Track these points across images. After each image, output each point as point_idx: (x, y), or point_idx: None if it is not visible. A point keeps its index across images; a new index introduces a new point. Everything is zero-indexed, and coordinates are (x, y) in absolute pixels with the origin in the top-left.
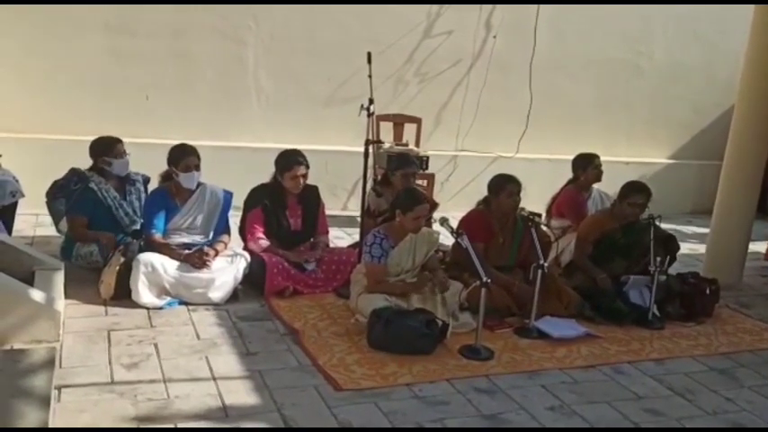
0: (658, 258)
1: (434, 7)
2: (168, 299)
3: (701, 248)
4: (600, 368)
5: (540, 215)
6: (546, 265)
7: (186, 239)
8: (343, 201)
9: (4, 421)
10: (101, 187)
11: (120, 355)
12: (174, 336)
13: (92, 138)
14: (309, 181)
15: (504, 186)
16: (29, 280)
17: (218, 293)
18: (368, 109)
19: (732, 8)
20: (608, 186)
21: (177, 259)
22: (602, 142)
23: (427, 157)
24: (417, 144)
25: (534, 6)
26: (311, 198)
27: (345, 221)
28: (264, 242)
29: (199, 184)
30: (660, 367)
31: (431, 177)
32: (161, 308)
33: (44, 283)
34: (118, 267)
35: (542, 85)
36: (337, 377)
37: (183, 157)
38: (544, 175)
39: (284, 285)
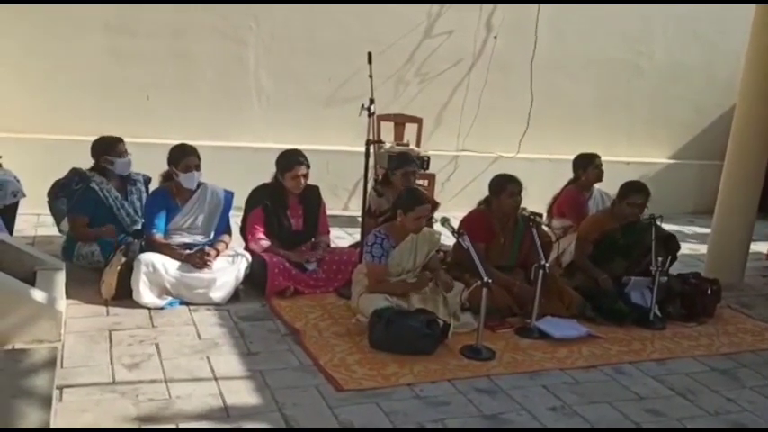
0: (659, 259)
1: (435, 7)
2: (169, 299)
3: (703, 249)
4: (601, 368)
5: (540, 215)
6: (547, 265)
7: (187, 239)
8: (344, 201)
9: (6, 421)
10: (102, 187)
11: (121, 355)
12: (175, 336)
13: (92, 138)
14: (310, 181)
15: (506, 186)
16: (30, 280)
17: (219, 293)
18: (368, 109)
19: (732, 8)
20: (609, 186)
21: (178, 259)
22: (602, 142)
23: (428, 158)
24: (418, 144)
25: (535, 6)
26: (312, 198)
27: (346, 221)
28: (265, 242)
29: (199, 185)
30: (661, 367)
31: (432, 177)
32: (162, 308)
33: (45, 283)
34: (119, 267)
35: (543, 86)
36: (338, 377)
37: (183, 157)
38: (545, 175)
39: (285, 285)
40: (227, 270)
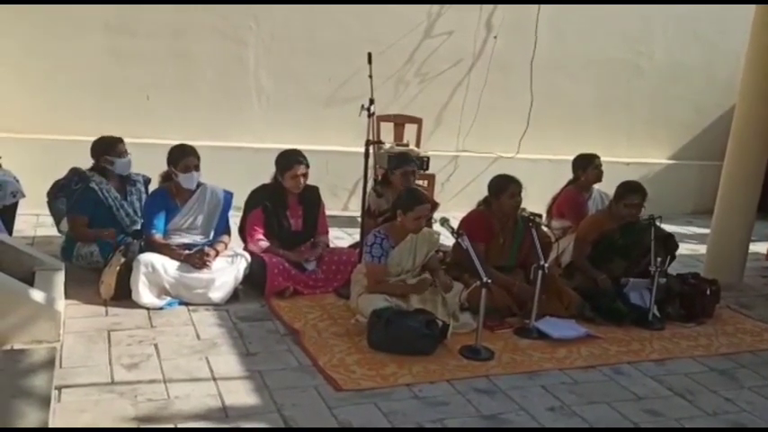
0: (659, 259)
1: (435, 7)
2: (168, 299)
3: (702, 249)
4: (600, 369)
5: (540, 215)
6: (546, 265)
7: (186, 240)
8: (343, 201)
9: (5, 421)
10: (101, 187)
11: (120, 356)
12: (174, 336)
13: (92, 138)
14: (310, 181)
15: (506, 187)
16: (29, 280)
17: (218, 294)
18: (368, 109)
19: (732, 8)
20: (609, 187)
21: (177, 259)
22: (602, 142)
23: (428, 158)
24: (418, 144)
25: (535, 6)
26: (312, 198)
27: (346, 222)
28: (264, 243)
29: (199, 185)
30: (660, 368)
31: (431, 178)
32: (161, 308)
33: (44, 284)
34: (118, 268)
35: (543, 86)
36: (337, 377)
37: (182, 157)
38: (545, 175)
39: (285, 286)
40: (227, 270)
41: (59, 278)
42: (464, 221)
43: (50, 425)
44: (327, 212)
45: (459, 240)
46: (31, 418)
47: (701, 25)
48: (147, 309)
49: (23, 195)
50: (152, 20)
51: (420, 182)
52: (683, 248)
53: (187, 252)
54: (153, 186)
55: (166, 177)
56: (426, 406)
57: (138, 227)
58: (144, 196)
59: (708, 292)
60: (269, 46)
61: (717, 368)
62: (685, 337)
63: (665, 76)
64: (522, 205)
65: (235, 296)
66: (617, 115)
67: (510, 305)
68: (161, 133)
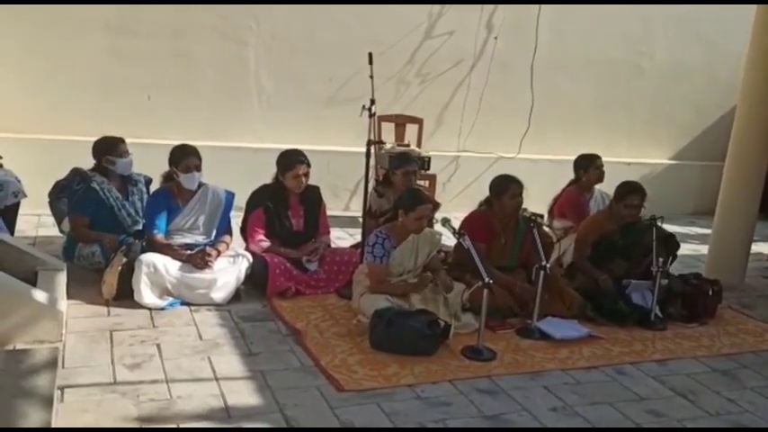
0: (660, 259)
1: (436, 7)
2: (170, 299)
3: (704, 249)
4: (602, 369)
5: (542, 216)
6: (548, 265)
7: (188, 240)
8: (344, 201)
9: (7, 421)
10: (103, 187)
11: (122, 356)
12: (176, 336)
13: (93, 138)
14: (311, 181)
15: (507, 187)
16: (31, 280)
17: (220, 294)
18: (369, 109)
19: (733, 8)
20: (610, 187)
21: (179, 260)
22: (603, 143)
23: (429, 158)
24: (419, 144)
25: (535, 7)
26: (313, 198)
27: (347, 222)
28: (265, 244)
29: (200, 185)
30: (662, 368)
31: (432, 178)
32: (163, 308)
33: (46, 284)
34: (120, 268)
35: (543, 86)
36: (339, 378)
37: (183, 157)
38: (546, 175)
39: (286, 286)
40: (228, 270)
41: (61, 278)
42: (465, 222)
43: (53, 425)
44: (328, 213)
45: (461, 240)
46: (33, 418)
47: (701, 25)
48: (149, 309)
49: (25, 195)
50: (152, 20)
51: (421, 182)
52: (685, 249)
53: (189, 252)
54: (154, 187)
55: (168, 177)
56: (428, 406)
57: (140, 227)
58: (145, 196)
59: (710, 292)
60: (269, 46)
61: (719, 368)
62: (687, 337)
63: (665, 76)
64: (524, 205)
65: (236, 296)
66: (617, 115)
67: (512, 305)
68: (162, 133)
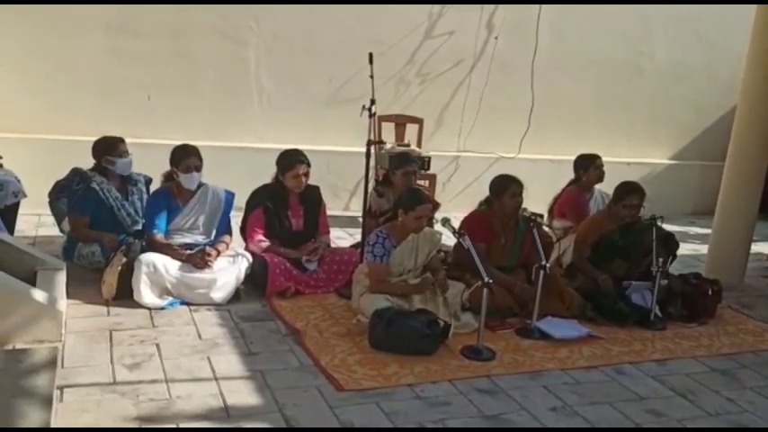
0: (660, 259)
1: (436, 7)
2: (170, 299)
3: (703, 249)
4: (602, 369)
5: (541, 216)
6: (548, 265)
7: (188, 240)
8: (344, 201)
9: (7, 421)
10: (103, 187)
11: (122, 356)
12: (175, 336)
13: (93, 138)
14: (311, 181)
15: (507, 187)
16: (31, 280)
17: (219, 294)
18: (369, 109)
19: (733, 8)
20: (609, 187)
21: (179, 259)
22: (603, 143)
23: (429, 158)
24: (419, 144)
25: (535, 7)
26: (313, 198)
27: (347, 222)
28: (265, 244)
29: (200, 185)
30: (662, 368)
31: (432, 178)
32: (163, 308)
33: (46, 283)
34: (120, 267)
35: (544, 86)
36: (339, 377)
37: (184, 157)
38: (546, 175)
39: (286, 286)
40: (228, 270)
41: (61, 278)
42: (465, 221)
43: (52, 425)
44: (328, 212)
45: (461, 240)
46: (32, 418)
47: (701, 25)
48: (149, 309)
49: (25, 195)
50: (153, 20)
51: (421, 182)
52: (685, 249)
53: (189, 252)
54: (154, 186)
55: (168, 177)
56: (428, 406)
57: (140, 227)
58: (145, 196)
59: (709, 292)
60: (270, 46)
61: (718, 368)
62: (687, 337)
63: (665, 76)
64: (524, 205)
65: (236, 296)
66: (617, 115)
67: (511, 305)
68: (162, 133)
